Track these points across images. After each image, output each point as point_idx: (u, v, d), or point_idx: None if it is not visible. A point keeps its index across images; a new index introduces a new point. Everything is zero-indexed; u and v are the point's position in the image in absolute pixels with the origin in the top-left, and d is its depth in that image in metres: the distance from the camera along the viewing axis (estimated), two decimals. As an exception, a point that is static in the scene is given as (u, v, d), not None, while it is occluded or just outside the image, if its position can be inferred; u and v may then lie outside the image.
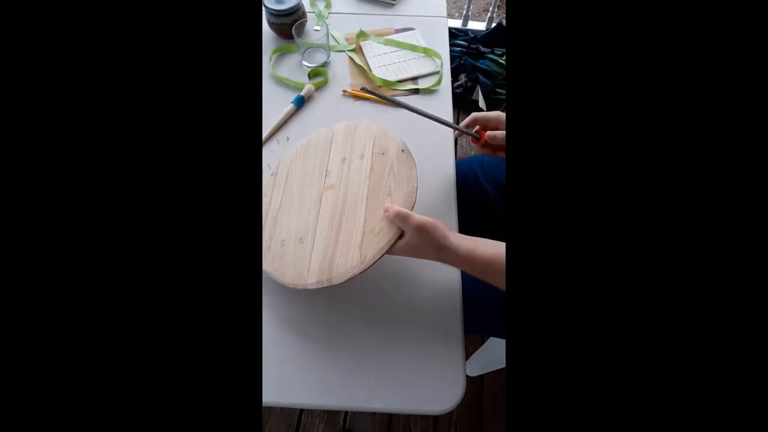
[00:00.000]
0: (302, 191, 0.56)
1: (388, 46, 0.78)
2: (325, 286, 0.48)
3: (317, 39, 0.73)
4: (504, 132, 0.56)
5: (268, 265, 0.52)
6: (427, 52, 0.77)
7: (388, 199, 0.51)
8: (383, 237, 0.48)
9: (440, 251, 0.47)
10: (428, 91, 0.72)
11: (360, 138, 0.58)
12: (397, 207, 0.48)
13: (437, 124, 0.66)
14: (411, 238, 0.47)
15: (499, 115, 0.57)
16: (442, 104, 0.71)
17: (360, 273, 0.48)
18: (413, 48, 0.77)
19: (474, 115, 0.58)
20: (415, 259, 0.53)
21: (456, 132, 0.59)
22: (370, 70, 0.74)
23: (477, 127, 0.59)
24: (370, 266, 0.48)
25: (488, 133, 0.57)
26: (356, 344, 0.50)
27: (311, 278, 0.49)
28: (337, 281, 0.48)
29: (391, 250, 0.48)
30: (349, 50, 0.77)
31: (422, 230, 0.46)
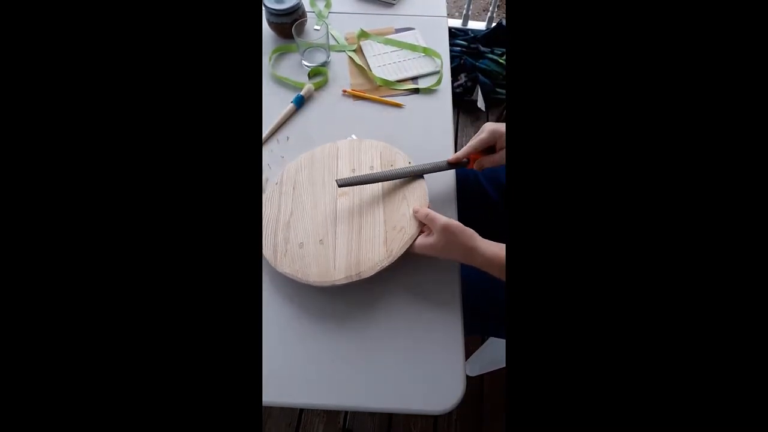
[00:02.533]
0: (314, 198, 0.58)
1: (388, 46, 0.78)
2: (354, 280, 0.51)
3: (317, 38, 0.73)
4: (490, 158, 0.58)
5: (287, 267, 0.53)
6: (427, 52, 0.77)
7: (404, 201, 0.56)
8: (406, 233, 0.53)
9: (467, 253, 0.49)
10: (428, 91, 0.72)
11: (366, 152, 0.62)
12: (427, 209, 0.52)
13: (437, 124, 0.65)
14: (438, 239, 0.50)
15: (492, 131, 0.57)
16: (442, 104, 0.71)
17: (388, 265, 0.51)
18: (413, 48, 0.77)
19: (467, 146, 0.59)
20: (415, 259, 0.53)
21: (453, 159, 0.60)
22: (370, 70, 0.74)
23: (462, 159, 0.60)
24: (396, 260, 0.52)
25: (476, 164, 0.59)
26: (356, 344, 0.50)
27: (339, 274, 0.51)
28: (366, 275, 0.51)
29: (418, 249, 0.52)
30: (349, 50, 0.77)
31: (447, 231, 0.49)
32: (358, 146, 0.62)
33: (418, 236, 0.52)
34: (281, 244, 0.55)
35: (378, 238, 0.53)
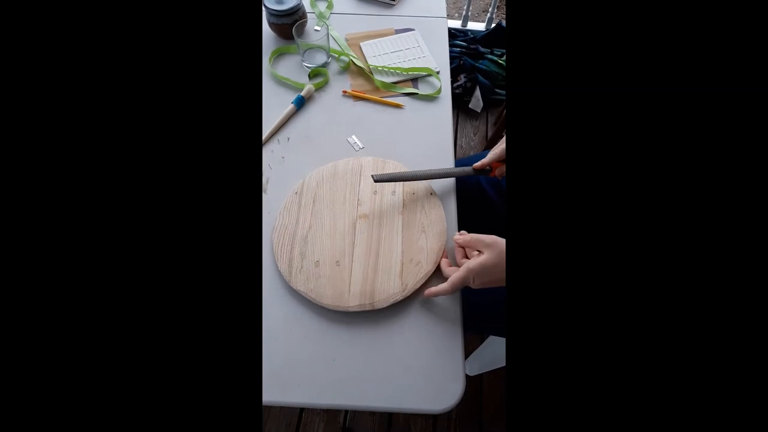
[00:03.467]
0: (334, 216, 0.58)
1: (387, 46, 0.78)
2: (367, 309, 0.51)
3: (317, 39, 0.73)
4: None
5: (302, 285, 0.53)
6: (426, 71, 0.75)
7: (422, 234, 0.56)
8: (422, 268, 0.53)
9: None
10: (429, 97, 0.72)
11: None
12: (470, 234, 0.50)
13: (437, 124, 0.65)
14: (489, 254, 0.47)
15: None
16: (442, 105, 0.71)
17: (401, 300, 0.51)
18: (417, 69, 0.75)
19: (491, 154, 0.60)
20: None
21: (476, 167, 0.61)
22: (370, 71, 0.74)
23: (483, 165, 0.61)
24: (411, 294, 0.52)
25: (498, 171, 0.60)
26: (356, 344, 0.50)
27: (353, 301, 0.51)
28: (379, 306, 0.51)
29: (472, 272, 0.48)
30: (342, 65, 0.76)
31: (497, 243, 0.47)
32: (382, 167, 0.62)
33: (453, 265, 0.51)
34: (297, 259, 0.54)
35: (394, 269, 0.53)
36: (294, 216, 0.58)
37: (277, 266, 0.55)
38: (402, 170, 0.62)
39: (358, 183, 0.61)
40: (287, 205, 0.59)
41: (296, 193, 0.60)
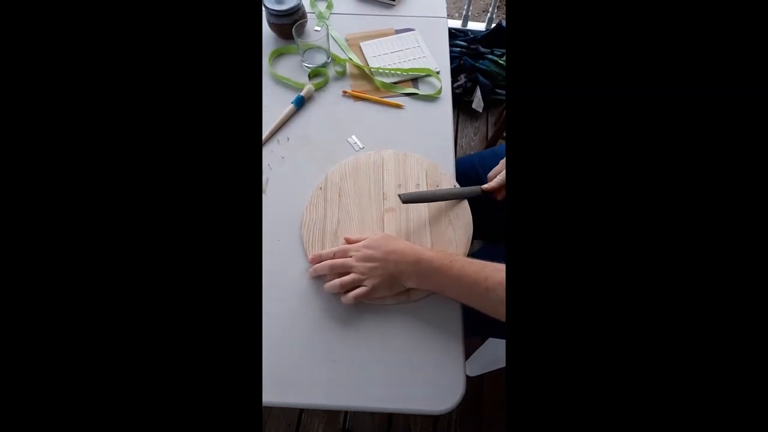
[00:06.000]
0: (361, 210, 0.58)
1: (387, 46, 0.78)
2: (402, 302, 0.51)
3: (317, 40, 0.73)
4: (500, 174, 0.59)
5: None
6: (427, 71, 0.75)
7: (450, 227, 0.57)
8: None
9: (417, 263, 0.49)
10: (429, 97, 0.72)
11: (412, 168, 0.62)
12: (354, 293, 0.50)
13: (437, 125, 0.65)
14: (388, 266, 0.49)
15: None
16: (443, 105, 0.71)
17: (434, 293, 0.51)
18: (417, 70, 0.75)
19: (500, 179, 0.60)
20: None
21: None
22: (371, 72, 0.74)
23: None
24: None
25: (500, 194, 0.59)
26: (356, 344, 0.50)
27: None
28: (416, 298, 0.52)
29: (374, 293, 0.50)
30: (340, 69, 0.75)
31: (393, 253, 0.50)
32: (403, 160, 0.63)
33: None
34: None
35: None
36: (321, 211, 0.58)
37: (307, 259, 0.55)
38: (426, 168, 0.62)
39: (381, 177, 0.61)
40: (313, 200, 0.59)
41: (321, 188, 0.61)
